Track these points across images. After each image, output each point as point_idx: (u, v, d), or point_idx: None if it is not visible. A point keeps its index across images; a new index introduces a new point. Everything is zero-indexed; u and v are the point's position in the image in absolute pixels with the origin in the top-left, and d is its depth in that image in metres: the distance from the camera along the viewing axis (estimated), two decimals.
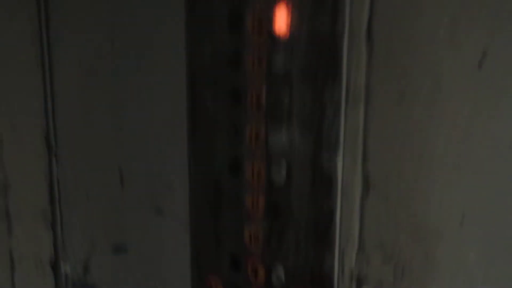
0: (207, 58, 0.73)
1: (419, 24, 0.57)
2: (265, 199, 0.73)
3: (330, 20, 0.61)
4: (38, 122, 0.95)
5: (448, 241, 0.62)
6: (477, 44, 0.55)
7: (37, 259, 0.95)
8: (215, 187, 0.77)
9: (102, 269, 0.93)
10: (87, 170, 0.95)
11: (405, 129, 0.61)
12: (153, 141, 0.86)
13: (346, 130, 0.64)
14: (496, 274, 0.61)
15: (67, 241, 1.01)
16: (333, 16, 0.61)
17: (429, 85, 0.58)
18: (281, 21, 0.63)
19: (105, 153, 0.92)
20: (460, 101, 0.57)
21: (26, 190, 0.95)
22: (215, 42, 0.71)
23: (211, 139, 0.76)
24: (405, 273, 0.65)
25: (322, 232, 0.70)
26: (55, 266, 0.96)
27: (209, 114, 0.75)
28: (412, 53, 0.58)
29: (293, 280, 0.72)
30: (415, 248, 0.64)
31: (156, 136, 0.85)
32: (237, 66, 0.70)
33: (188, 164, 0.81)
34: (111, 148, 0.91)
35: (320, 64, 0.64)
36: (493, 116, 0.56)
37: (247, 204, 0.74)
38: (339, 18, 0.61)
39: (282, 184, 0.71)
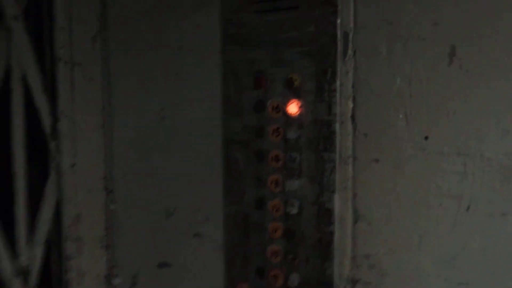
0: (239, 129, 0.93)
1: (386, 113, 0.80)
2: (283, 226, 0.91)
3: (327, 109, 0.84)
4: (100, 169, 1.13)
5: (411, 254, 0.82)
6: (422, 127, 0.79)
7: (95, 274, 1.09)
8: (244, 217, 0.95)
9: (149, 282, 1.06)
10: (137, 205, 1.12)
11: (380, 178, 0.83)
12: (194, 183, 1.01)
13: (340, 179, 0.86)
14: (447, 276, 0.81)
15: (119, 260, 1.14)
16: (328, 107, 0.84)
17: (394, 153, 0.81)
18: (293, 107, 0.86)
19: (153, 192, 1.08)
20: (413, 162, 0.80)
21: (90, 220, 1.10)
22: (244, 119, 0.92)
23: (241, 184, 0.95)
24: (384, 276, 0.85)
25: (324, 249, 0.87)
26: (108, 280, 1.09)
27: (239, 167, 0.95)
28: (381, 131, 0.81)
29: (305, 284, 0.88)
30: (390, 258, 0.84)
31: (197, 180, 1.01)
32: (261, 135, 0.91)
33: (223, 201, 0.97)
34: (159, 188, 1.06)
35: (320, 136, 0.86)
36: (442, 171, 0.79)
37: (269, 230, 0.91)
38: (333, 108, 0.83)
39: (295, 215, 0.90)
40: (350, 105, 0.79)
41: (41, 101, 0.95)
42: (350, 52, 0.77)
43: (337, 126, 0.81)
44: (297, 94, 0.83)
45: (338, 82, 0.79)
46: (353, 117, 0.80)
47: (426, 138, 0.75)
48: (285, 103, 0.84)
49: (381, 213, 0.82)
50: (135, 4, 0.98)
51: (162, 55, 0.98)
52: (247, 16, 0.85)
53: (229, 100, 0.90)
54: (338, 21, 0.78)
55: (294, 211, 0.87)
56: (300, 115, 0.84)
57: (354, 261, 0.84)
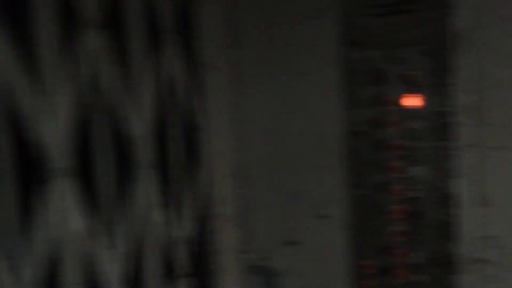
0: (358, 121, 1.03)
1: (509, 104, 0.85)
2: (405, 208, 0.98)
3: (446, 101, 0.90)
4: (234, 157, 1.28)
5: None
6: None
7: (232, 248, 1.21)
8: (367, 200, 1.03)
9: (279, 258, 1.17)
10: (267, 189, 1.23)
11: (504, 164, 0.87)
12: (319, 169, 1.11)
13: (463, 165, 0.91)
14: None
15: (252, 237, 1.24)
16: (447, 99, 0.90)
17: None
18: (412, 101, 0.93)
19: (281, 177, 1.18)
20: None
21: (227, 201, 1.23)
22: (364, 112, 1.02)
23: (363, 170, 1.05)
24: (506, 254, 0.89)
25: (447, 230, 0.93)
26: (244, 255, 1.22)
27: (361, 155, 1.04)
28: (505, 120, 0.86)
29: (429, 262, 0.95)
30: None
31: (321, 166, 1.11)
32: (381, 126, 1.00)
33: (347, 185, 1.05)
34: (286, 173, 1.17)
35: (440, 126, 0.93)
36: None
37: (392, 212, 0.99)
38: (452, 100, 0.90)
39: (417, 198, 0.96)
40: (473, 97, 0.85)
41: (191, 101, 1.13)
42: (467, 48, 0.83)
43: (459, 116, 0.87)
44: (415, 89, 0.91)
45: (456, 77, 0.85)
46: (477, 108, 0.85)
47: None
48: (404, 97, 0.92)
49: (506, 197, 0.86)
50: (262, 12, 1.11)
51: (285, 57, 1.10)
52: (366, 20, 0.94)
53: (349, 95, 0.99)
54: (454, 20, 0.84)
55: (416, 195, 0.94)
56: (419, 107, 0.91)
57: (482, 242, 0.90)
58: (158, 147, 1.00)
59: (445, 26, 0.82)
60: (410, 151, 0.91)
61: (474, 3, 0.80)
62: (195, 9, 1.06)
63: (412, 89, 0.89)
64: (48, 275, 0.75)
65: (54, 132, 0.75)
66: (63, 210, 0.76)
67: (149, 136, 0.96)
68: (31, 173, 0.73)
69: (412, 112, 0.90)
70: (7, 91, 0.68)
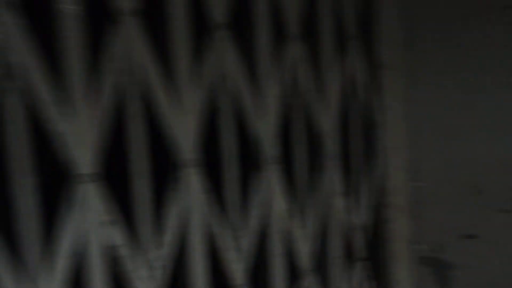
0: None
1: None
2: None
3: None
4: (405, 151, 1.29)
5: None
6: None
7: (403, 238, 1.24)
8: None
9: (454, 251, 1.16)
10: (442, 182, 1.20)
11: None
12: (504, 163, 1.09)
13: None
14: None
15: (423, 229, 1.23)
16: None
17: None
18: None
19: (458, 172, 1.17)
20: None
21: (399, 193, 1.25)
22: None
23: None
24: None
25: None
26: (415, 245, 1.23)
27: None
28: None
29: None
30: None
31: (506, 160, 1.08)
32: None
33: None
34: (464, 168, 1.16)
35: None
36: None
37: None
38: None
39: None
40: None
41: (370, 99, 1.20)
42: None
43: None
44: None
45: None
46: None
47: None
48: None
49: None
50: (435, 14, 1.13)
51: (461, 54, 1.10)
52: None
53: None
54: None
55: None
56: None
57: None
58: (341, 141, 1.10)
59: None
60: None
61: None
62: (373, 14, 1.13)
63: None
64: (258, 247, 0.90)
65: (266, 127, 0.89)
66: (270, 193, 0.91)
67: (334, 131, 1.07)
68: (249, 161, 0.88)
69: None
70: (235, 94, 0.84)
